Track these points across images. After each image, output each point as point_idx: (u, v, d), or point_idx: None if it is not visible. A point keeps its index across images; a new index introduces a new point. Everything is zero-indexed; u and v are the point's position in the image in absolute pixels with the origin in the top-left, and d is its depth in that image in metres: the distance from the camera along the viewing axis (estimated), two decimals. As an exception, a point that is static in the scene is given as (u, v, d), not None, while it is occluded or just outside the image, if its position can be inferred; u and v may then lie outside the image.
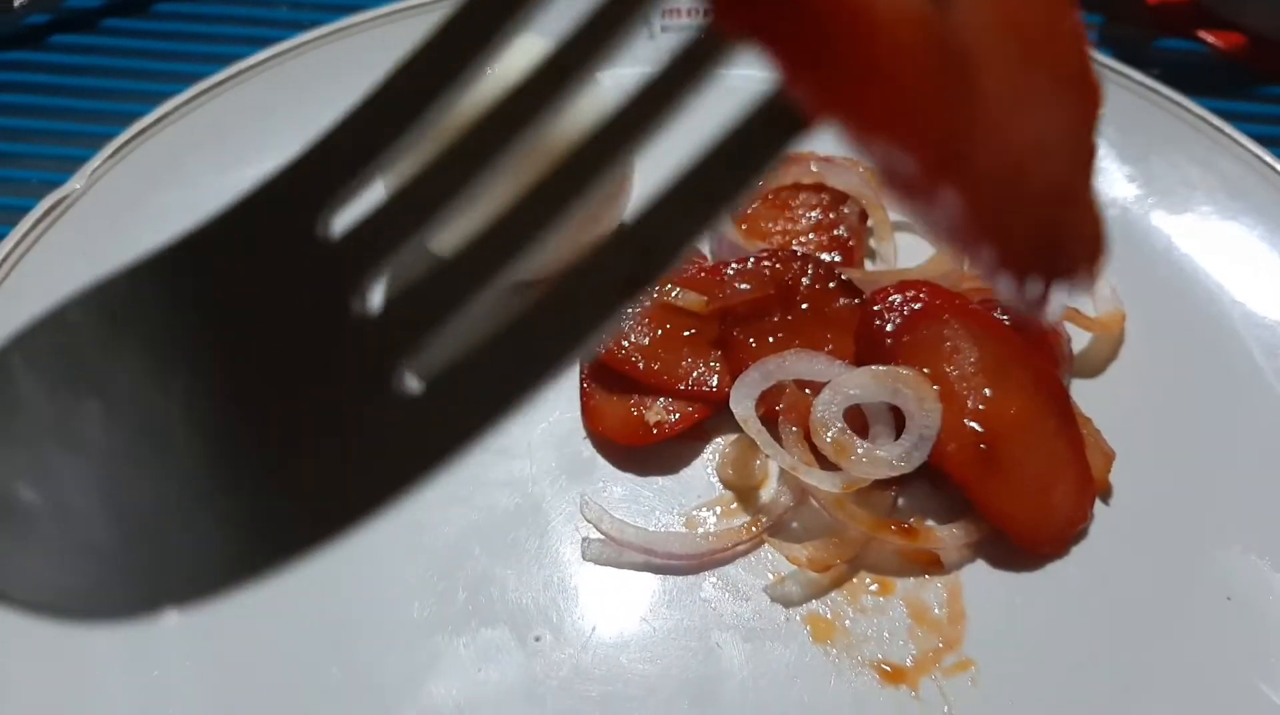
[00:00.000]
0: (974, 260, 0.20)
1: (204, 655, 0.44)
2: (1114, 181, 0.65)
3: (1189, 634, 0.46)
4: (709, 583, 0.47)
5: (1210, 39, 0.79)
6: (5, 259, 0.55)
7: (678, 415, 0.52)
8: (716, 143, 0.18)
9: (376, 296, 0.19)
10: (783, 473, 0.50)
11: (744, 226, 0.60)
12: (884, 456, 0.47)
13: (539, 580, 0.47)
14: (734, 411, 0.50)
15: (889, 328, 0.51)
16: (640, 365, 0.53)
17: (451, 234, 0.19)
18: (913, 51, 0.17)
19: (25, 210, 0.57)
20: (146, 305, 0.21)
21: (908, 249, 0.61)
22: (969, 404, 0.49)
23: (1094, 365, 0.56)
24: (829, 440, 0.48)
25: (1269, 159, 0.62)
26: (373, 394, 0.19)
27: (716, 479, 0.51)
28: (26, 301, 0.54)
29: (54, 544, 0.20)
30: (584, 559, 0.48)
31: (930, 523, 0.49)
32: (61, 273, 0.56)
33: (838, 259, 0.58)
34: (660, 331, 0.54)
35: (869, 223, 0.61)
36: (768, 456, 0.50)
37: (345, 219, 0.19)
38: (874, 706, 0.44)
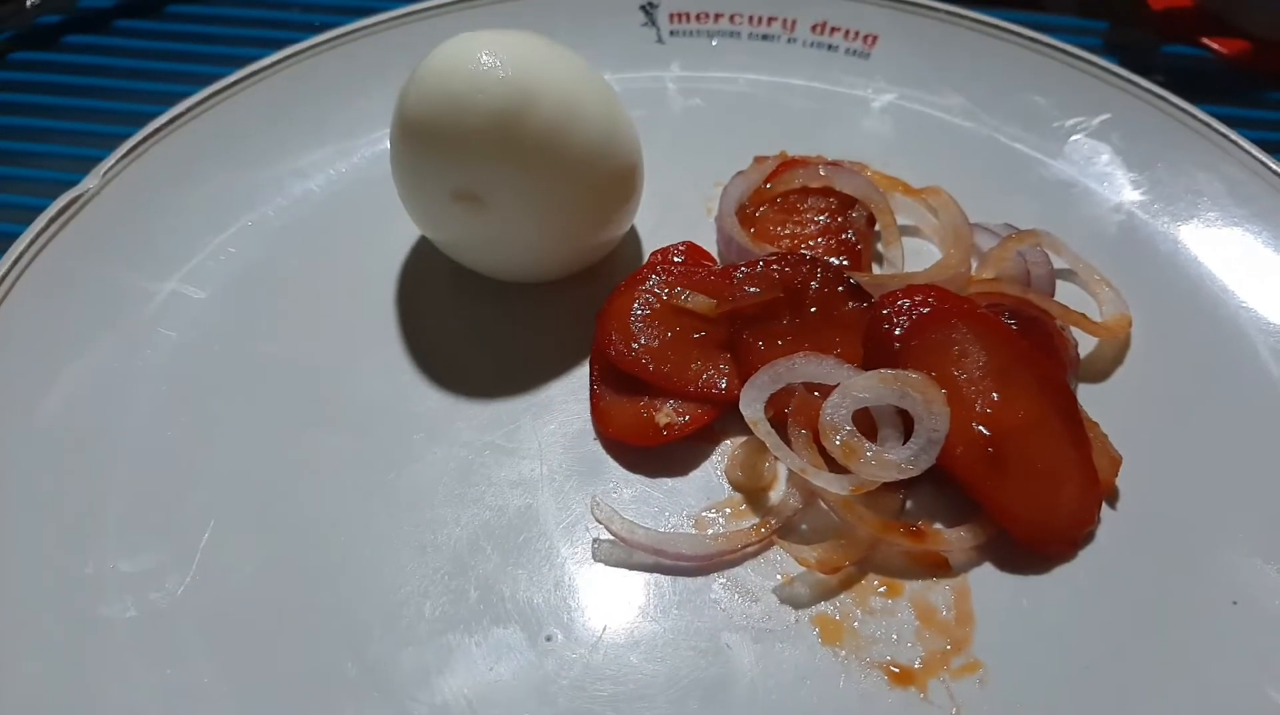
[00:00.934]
0: None
1: (221, 653, 0.45)
2: (1120, 187, 0.65)
3: (1195, 637, 0.46)
4: (718, 584, 0.48)
5: (1214, 45, 0.80)
6: (20, 257, 0.55)
7: (687, 417, 0.52)
8: None
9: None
10: (791, 475, 0.50)
11: (752, 230, 0.60)
12: (892, 459, 0.48)
13: (550, 580, 0.48)
14: (743, 414, 0.50)
15: (897, 331, 0.51)
16: (650, 367, 0.53)
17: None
18: None
19: (39, 209, 0.57)
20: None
21: (915, 253, 0.62)
22: (976, 407, 0.50)
23: (1101, 369, 0.56)
24: (838, 443, 0.48)
25: (1273, 164, 0.62)
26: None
27: (726, 481, 0.51)
28: (41, 299, 0.55)
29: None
30: (594, 559, 0.48)
31: (938, 525, 0.50)
32: (75, 271, 0.56)
33: (845, 263, 0.58)
34: (670, 334, 0.54)
35: (876, 227, 0.61)
36: (777, 458, 0.50)
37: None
38: (882, 707, 0.44)
